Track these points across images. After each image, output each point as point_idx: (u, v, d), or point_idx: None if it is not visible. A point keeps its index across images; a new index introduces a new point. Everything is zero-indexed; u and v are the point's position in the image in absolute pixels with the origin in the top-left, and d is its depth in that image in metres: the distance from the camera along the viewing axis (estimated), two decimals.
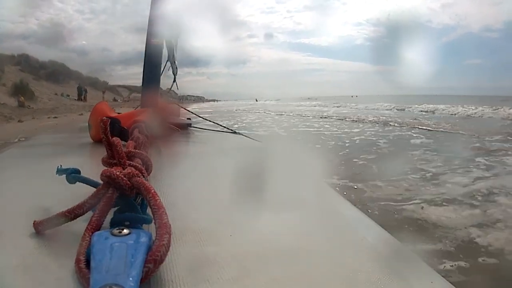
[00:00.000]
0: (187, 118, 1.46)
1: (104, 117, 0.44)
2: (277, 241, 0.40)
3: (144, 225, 0.36)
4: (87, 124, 0.99)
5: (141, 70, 1.67)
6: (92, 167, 0.50)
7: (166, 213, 0.32)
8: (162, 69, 1.55)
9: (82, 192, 0.39)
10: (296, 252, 0.38)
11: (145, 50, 1.51)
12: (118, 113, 1.04)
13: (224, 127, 1.54)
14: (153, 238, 0.30)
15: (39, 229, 0.36)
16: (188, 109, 1.55)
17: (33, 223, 0.36)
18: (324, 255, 0.38)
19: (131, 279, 0.25)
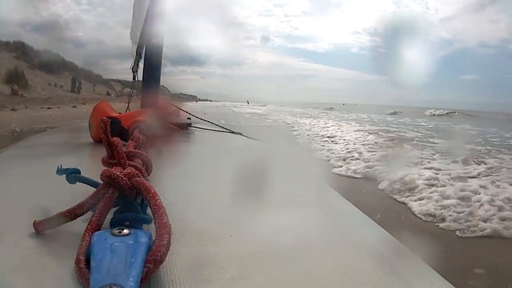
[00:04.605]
0: (187, 118, 1.45)
1: (105, 117, 0.44)
2: (277, 241, 0.39)
3: (144, 225, 0.36)
4: (87, 123, 0.99)
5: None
6: (92, 167, 0.50)
7: (166, 213, 0.32)
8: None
9: (82, 192, 0.39)
10: (296, 252, 0.38)
11: (145, 50, 1.50)
12: (119, 113, 1.03)
13: (224, 127, 1.53)
14: (153, 238, 0.30)
15: (39, 229, 0.36)
16: (186, 110, 1.54)
17: (33, 223, 0.36)
18: (324, 255, 0.38)
19: (131, 279, 0.25)
